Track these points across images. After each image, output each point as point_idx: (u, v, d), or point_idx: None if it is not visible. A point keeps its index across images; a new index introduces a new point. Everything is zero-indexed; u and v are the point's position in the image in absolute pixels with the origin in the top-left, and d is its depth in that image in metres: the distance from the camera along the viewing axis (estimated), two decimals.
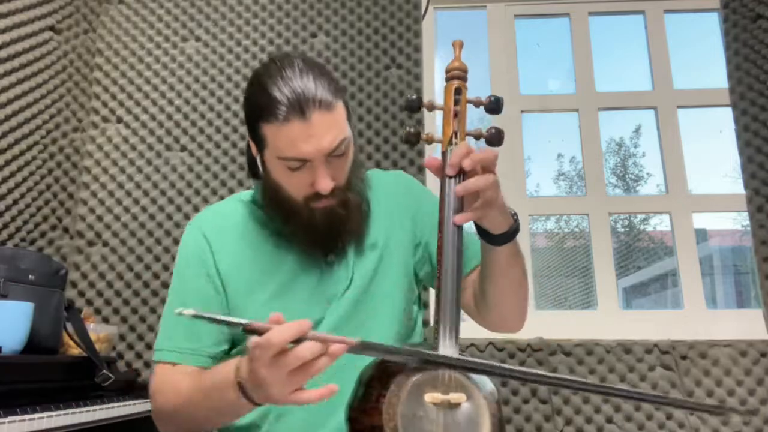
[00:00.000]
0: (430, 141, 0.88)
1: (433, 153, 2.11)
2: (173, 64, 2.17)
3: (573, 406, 1.79)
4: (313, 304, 0.95)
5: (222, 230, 1.00)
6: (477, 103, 0.88)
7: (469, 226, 0.89)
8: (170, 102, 2.14)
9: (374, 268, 0.99)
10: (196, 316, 0.63)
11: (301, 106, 0.83)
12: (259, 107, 0.87)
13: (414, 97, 0.89)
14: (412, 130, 0.88)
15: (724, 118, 2.03)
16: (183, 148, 2.10)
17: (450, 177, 0.82)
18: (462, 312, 0.91)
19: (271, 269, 0.96)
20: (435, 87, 2.19)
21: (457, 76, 0.88)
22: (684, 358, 1.79)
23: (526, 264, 0.97)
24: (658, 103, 2.11)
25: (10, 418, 1.09)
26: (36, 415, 1.16)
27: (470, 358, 0.74)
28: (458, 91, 0.87)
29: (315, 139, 0.84)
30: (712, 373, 1.77)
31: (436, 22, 2.27)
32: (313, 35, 2.17)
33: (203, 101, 2.13)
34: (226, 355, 0.97)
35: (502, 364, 0.73)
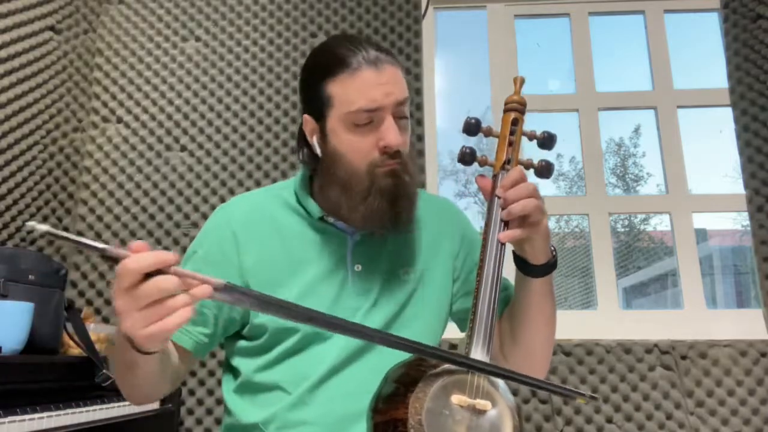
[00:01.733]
0: (483, 163, 0.92)
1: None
2: (173, 64, 2.17)
3: (573, 406, 1.79)
4: (337, 312, 0.90)
5: (253, 221, 0.96)
6: (531, 137, 0.93)
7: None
8: (170, 102, 2.14)
9: (407, 297, 0.96)
10: (48, 233, 0.59)
11: (372, 57, 0.87)
12: (326, 65, 0.88)
13: (473, 120, 0.91)
14: (467, 150, 0.91)
15: (724, 118, 2.03)
16: (183, 148, 2.10)
17: (499, 198, 0.86)
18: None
19: (297, 268, 0.93)
20: (435, 87, 2.19)
21: (515, 108, 0.93)
22: (684, 358, 1.79)
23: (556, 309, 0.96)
24: (658, 103, 2.11)
25: (10, 418, 1.09)
26: (36, 415, 1.16)
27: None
28: (515, 122, 0.92)
29: (387, 87, 0.86)
30: (712, 373, 1.77)
31: (436, 22, 2.27)
32: (313, 35, 2.17)
33: (203, 101, 2.13)
34: (236, 337, 0.96)
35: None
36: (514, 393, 1.80)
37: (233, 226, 0.95)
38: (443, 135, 2.13)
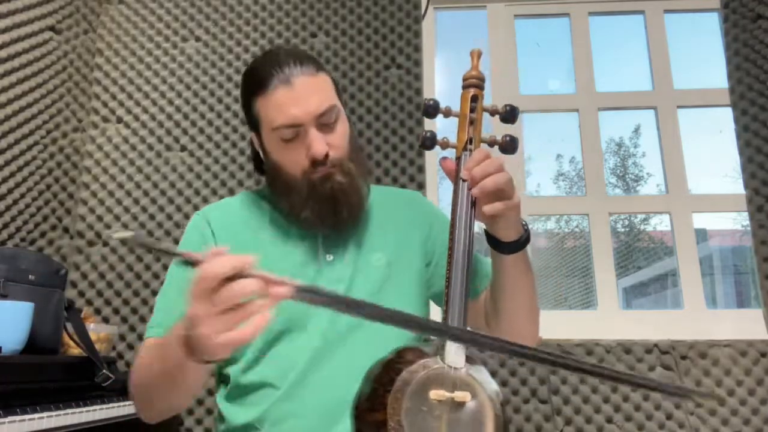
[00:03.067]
0: (445, 146, 0.90)
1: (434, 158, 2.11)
2: (173, 64, 2.17)
3: (573, 406, 1.79)
4: (312, 308, 0.91)
5: (226, 221, 1.01)
6: (492, 112, 0.90)
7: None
8: (170, 102, 2.14)
9: (381, 281, 0.97)
10: (123, 240, 0.58)
11: (285, 75, 0.90)
12: (250, 86, 0.94)
13: (431, 102, 0.90)
14: (428, 134, 0.90)
15: (724, 118, 2.03)
16: (183, 148, 2.10)
17: (464, 181, 0.84)
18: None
19: (269, 265, 0.93)
20: (435, 87, 2.19)
21: (474, 84, 0.91)
22: (684, 358, 1.79)
23: (534, 276, 0.96)
24: (658, 103, 2.11)
25: (10, 418, 1.09)
26: (36, 415, 1.16)
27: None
28: (474, 99, 0.90)
29: (301, 101, 0.89)
30: (712, 373, 1.77)
31: (436, 22, 2.27)
32: (313, 35, 2.17)
33: (203, 101, 2.13)
34: None
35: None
36: (503, 384, 1.80)
37: (212, 227, 0.99)
38: (443, 135, 2.13)
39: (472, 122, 0.89)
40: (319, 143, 0.90)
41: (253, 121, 0.97)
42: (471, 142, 0.88)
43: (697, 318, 1.89)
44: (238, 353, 0.94)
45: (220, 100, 2.13)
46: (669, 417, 1.75)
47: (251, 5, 2.21)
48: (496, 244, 0.90)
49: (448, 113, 0.90)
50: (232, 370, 0.95)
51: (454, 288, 0.80)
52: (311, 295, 0.64)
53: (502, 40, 2.21)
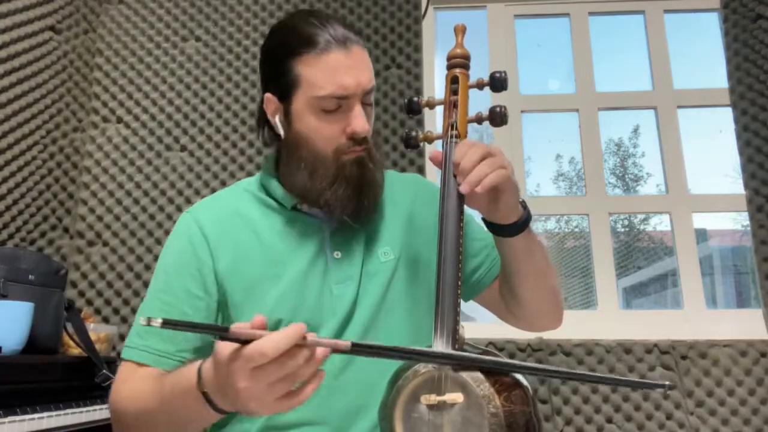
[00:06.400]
0: (430, 140, 0.87)
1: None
2: (173, 64, 2.17)
3: (573, 406, 1.79)
4: (324, 302, 0.88)
5: (223, 222, 0.92)
6: (480, 85, 0.86)
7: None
8: (170, 102, 2.14)
9: (390, 277, 0.92)
10: (166, 324, 0.55)
11: (341, 38, 0.82)
12: (293, 43, 0.84)
13: (416, 99, 0.88)
14: (413, 133, 0.88)
15: (724, 118, 2.03)
16: (183, 148, 2.10)
17: (454, 174, 0.80)
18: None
19: (277, 265, 0.89)
20: (435, 87, 2.19)
21: (456, 64, 0.86)
22: (684, 358, 1.79)
23: (548, 254, 0.92)
24: (658, 103, 2.11)
25: (10, 418, 1.09)
26: (36, 415, 1.16)
27: (468, 355, 0.71)
28: (454, 80, 0.85)
29: (356, 71, 0.82)
30: (712, 373, 1.77)
31: (436, 22, 2.27)
32: None
33: (203, 101, 2.13)
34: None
35: (497, 359, 0.72)
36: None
37: (203, 229, 0.91)
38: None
39: (455, 105, 0.84)
40: (363, 119, 0.83)
41: (283, 84, 0.85)
42: (453, 127, 0.83)
43: (697, 318, 1.89)
44: None
45: (220, 100, 2.13)
46: (669, 417, 1.75)
47: (251, 5, 2.21)
48: (496, 229, 0.86)
49: (432, 104, 0.87)
50: None
51: (443, 275, 0.77)
52: (364, 350, 0.63)
53: (502, 40, 2.21)
